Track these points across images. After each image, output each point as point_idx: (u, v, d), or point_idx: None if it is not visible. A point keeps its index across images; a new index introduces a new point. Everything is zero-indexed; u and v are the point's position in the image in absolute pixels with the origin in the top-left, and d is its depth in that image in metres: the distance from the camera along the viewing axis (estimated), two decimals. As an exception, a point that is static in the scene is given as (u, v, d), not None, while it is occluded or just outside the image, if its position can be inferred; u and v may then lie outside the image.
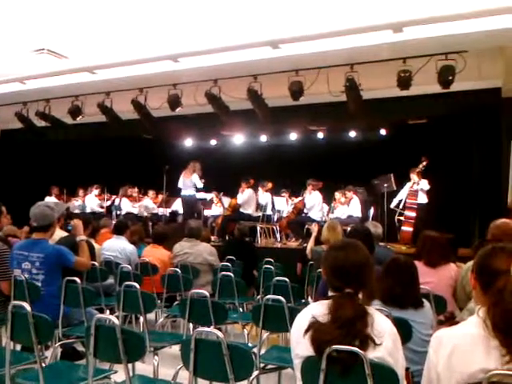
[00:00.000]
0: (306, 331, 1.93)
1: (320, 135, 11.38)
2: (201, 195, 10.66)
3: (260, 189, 10.29)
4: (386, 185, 9.22)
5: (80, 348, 4.37)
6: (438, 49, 6.10)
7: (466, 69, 5.99)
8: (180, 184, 10.05)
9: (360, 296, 2.02)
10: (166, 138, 11.86)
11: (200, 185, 10.10)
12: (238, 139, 11.86)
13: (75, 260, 4.00)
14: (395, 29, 5.59)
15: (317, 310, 2.00)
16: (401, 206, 9.02)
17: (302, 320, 2.01)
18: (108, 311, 4.97)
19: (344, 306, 1.93)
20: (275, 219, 10.45)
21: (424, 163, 8.71)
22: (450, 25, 5.47)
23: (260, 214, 9.99)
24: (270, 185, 10.42)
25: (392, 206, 9.11)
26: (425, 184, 8.70)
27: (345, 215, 9.38)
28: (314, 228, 6.41)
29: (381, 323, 1.94)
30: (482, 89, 6.94)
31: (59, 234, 4.81)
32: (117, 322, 2.56)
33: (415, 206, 8.74)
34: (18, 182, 10.88)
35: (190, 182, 9.96)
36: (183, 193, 10.09)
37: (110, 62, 6.99)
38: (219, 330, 2.62)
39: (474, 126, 8.66)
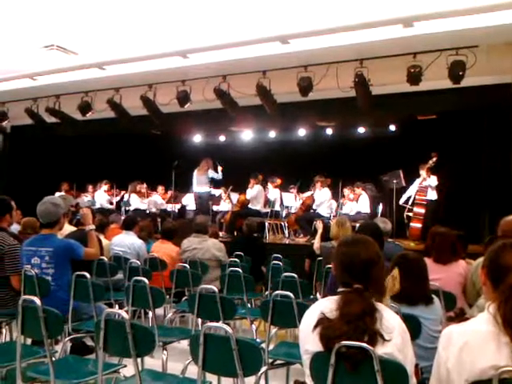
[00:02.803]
0: (315, 327, 1.93)
1: (329, 131, 11.37)
2: (213, 191, 10.73)
3: (269, 184, 10.30)
4: (394, 181, 9.17)
5: (89, 342, 4.39)
6: (449, 44, 6.05)
7: (476, 64, 5.93)
8: (194, 181, 10.12)
9: (370, 292, 2.00)
10: (174, 134, 11.90)
11: (219, 177, 10.24)
12: (247, 135, 11.87)
13: (84, 251, 4.03)
14: (405, 23, 5.56)
15: (325, 305, 2.00)
16: (410, 203, 8.97)
17: (311, 316, 2.00)
18: (117, 306, 4.99)
19: (352, 302, 1.92)
20: (284, 215, 10.45)
21: (434, 159, 8.65)
22: (461, 19, 5.43)
23: (268, 209, 9.99)
24: (279, 181, 10.42)
25: (401, 202, 9.08)
26: (433, 180, 8.65)
27: (353, 211, 9.36)
28: (319, 225, 6.41)
29: (389, 319, 1.93)
30: (493, 84, 6.87)
31: (68, 228, 4.84)
32: (126, 316, 2.57)
33: (424, 203, 8.69)
34: (28, 177, 10.95)
35: (204, 179, 10.05)
36: (197, 190, 10.16)
37: (119, 58, 7.01)
38: (228, 325, 2.62)
39: (484, 122, 8.60)
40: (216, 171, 10.52)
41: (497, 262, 1.79)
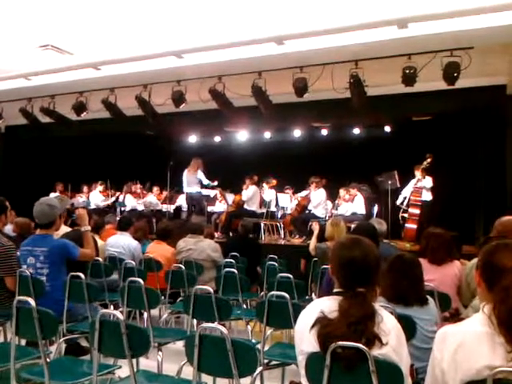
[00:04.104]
0: (313, 326, 1.92)
1: (324, 132, 11.39)
2: (205, 192, 10.68)
3: (264, 185, 10.30)
4: (389, 182, 9.18)
5: (84, 343, 4.38)
6: (443, 45, 6.07)
7: (471, 65, 5.95)
8: (184, 182, 10.08)
9: (370, 295, 1.99)
10: (170, 135, 11.89)
11: (206, 181, 10.16)
12: (242, 136, 11.87)
13: (79, 252, 4.03)
14: (400, 25, 5.57)
15: (325, 305, 1.98)
16: (405, 203, 8.99)
17: (309, 315, 1.99)
18: (112, 307, 4.98)
19: (355, 306, 1.90)
20: (279, 216, 10.45)
21: (428, 160, 8.66)
22: (455, 21, 5.45)
23: (264, 210, 9.98)
24: (274, 181, 10.42)
25: (398, 202, 9.09)
26: (428, 182, 8.66)
27: (349, 212, 9.36)
28: (316, 226, 6.42)
29: (387, 321, 1.93)
30: (487, 86, 6.91)
31: (63, 228, 4.83)
32: (121, 317, 2.56)
33: (419, 203, 8.70)
34: (22, 178, 10.91)
35: (194, 179, 10.00)
36: (188, 190, 10.11)
37: (114, 58, 6.99)
38: (223, 326, 2.62)
39: (479, 123, 8.64)
40: (207, 177, 10.46)
41: (491, 263, 1.80)
